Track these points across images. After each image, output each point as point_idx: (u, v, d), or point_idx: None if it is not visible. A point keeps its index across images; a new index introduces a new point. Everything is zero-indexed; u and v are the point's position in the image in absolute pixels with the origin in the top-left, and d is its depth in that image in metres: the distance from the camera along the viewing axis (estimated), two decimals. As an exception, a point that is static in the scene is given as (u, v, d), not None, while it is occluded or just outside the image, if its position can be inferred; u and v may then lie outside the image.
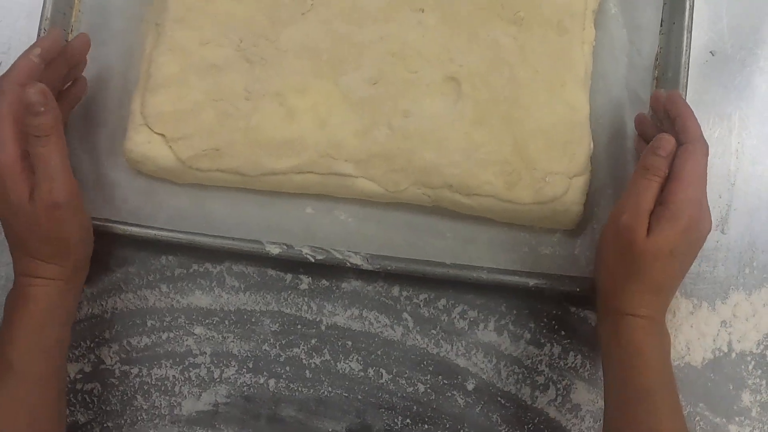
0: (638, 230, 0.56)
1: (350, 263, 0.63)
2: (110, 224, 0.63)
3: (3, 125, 0.54)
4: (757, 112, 0.71)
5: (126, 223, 0.63)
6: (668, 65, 0.68)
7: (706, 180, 0.58)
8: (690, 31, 0.67)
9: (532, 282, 0.64)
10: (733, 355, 0.69)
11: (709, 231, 0.58)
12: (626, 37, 0.69)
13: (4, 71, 0.57)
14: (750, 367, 0.69)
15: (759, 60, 0.72)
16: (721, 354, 0.68)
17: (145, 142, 0.62)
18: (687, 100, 0.65)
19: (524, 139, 0.63)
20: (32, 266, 0.57)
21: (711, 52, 0.71)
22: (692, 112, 0.60)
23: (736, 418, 0.67)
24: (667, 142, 0.58)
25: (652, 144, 0.58)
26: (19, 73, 0.56)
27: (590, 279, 0.65)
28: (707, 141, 0.60)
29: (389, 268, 0.63)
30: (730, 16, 0.72)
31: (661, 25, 0.69)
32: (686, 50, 0.66)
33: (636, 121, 0.66)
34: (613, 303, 0.59)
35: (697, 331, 0.69)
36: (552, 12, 0.65)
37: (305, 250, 0.63)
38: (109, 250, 0.66)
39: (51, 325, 0.57)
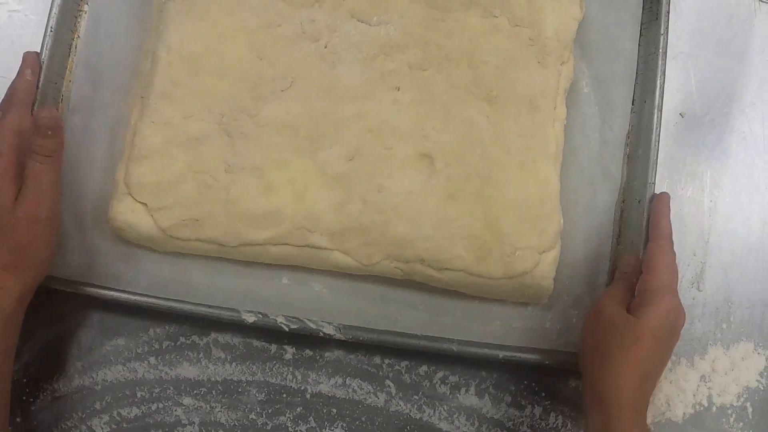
0: (617, 310, 0.61)
1: (324, 333, 0.64)
2: (89, 288, 0.65)
3: (5, 135, 0.60)
4: (728, 169, 0.73)
5: (104, 287, 0.65)
6: (639, 143, 0.70)
7: (678, 274, 0.62)
8: (660, 110, 0.69)
9: (501, 354, 0.65)
10: (714, 409, 0.70)
11: (683, 322, 0.62)
12: (598, 115, 0.71)
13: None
14: (731, 420, 0.70)
15: (728, 119, 0.74)
16: (702, 408, 0.70)
17: (128, 211, 0.64)
18: (658, 162, 0.68)
19: (495, 214, 0.64)
20: None
21: (681, 113, 0.73)
22: (668, 212, 0.65)
23: (720, 474, 0.69)
24: (629, 259, 0.66)
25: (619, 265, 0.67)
26: (23, 93, 0.64)
27: (560, 352, 0.67)
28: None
29: (361, 338, 0.65)
30: (698, 77, 0.74)
31: (632, 104, 0.71)
32: (656, 128, 0.69)
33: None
34: (596, 386, 0.59)
35: (677, 387, 0.70)
36: (525, 91, 0.67)
37: (280, 319, 0.64)
38: (98, 322, 0.68)
39: (3, 337, 0.58)
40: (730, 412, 0.70)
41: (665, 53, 0.70)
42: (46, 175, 0.59)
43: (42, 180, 0.59)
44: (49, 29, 0.67)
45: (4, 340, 0.58)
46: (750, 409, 0.70)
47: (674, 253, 0.63)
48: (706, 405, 0.70)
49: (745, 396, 0.70)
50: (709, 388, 0.70)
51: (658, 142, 0.69)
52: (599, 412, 0.58)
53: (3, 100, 0.64)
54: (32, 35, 0.71)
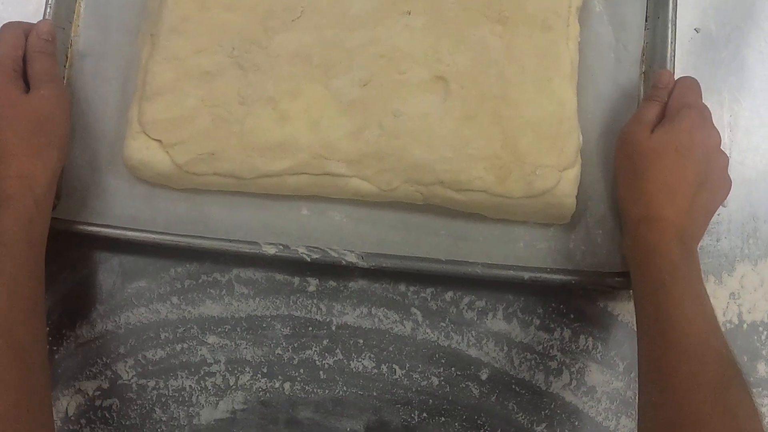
0: (641, 132, 0.62)
1: (345, 261, 0.64)
2: (108, 229, 0.65)
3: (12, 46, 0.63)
4: (746, 84, 0.72)
5: (122, 228, 0.65)
6: (654, 60, 0.69)
7: (707, 110, 0.63)
8: (675, 24, 0.68)
9: (527, 275, 0.64)
10: (745, 326, 0.69)
11: (719, 144, 0.62)
12: (612, 34, 0.70)
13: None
14: (763, 337, 0.69)
15: (744, 34, 0.73)
16: (733, 326, 0.68)
17: (142, 149, 0.64)
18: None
19: (513, 134, 0.63)
20: (16, 162, 0.59)
21: (696, 29, 0.72)
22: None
23: (754, 390, 0.67)
24: (662, 74, 0.65)
25: (652, 80, 0.66)
26: (16, 22, 0.65)
27: (586, 271, 0.66)
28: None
29: (384, 265, 0.64)
30: (712, -8, 0.73)
31: (645, 20, 0.70)
32: (671, 43, 0.68)
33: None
34: (632, 211, 0.61)
35: (706, 305, 0.69)
36: (536, 10, 0.66)
37: (301, 250, 0.64)
38: (118, 264, 0.68)
39: (38, 220, 0.59)
40: (761, 329, 0.69)
41: (676, -33, 0.69)
42: (51, 66, 0.64)
43: (47, 68, 0.63)
44: (54, -27, 0.68)
45: (39, 224, 0.59)
46: (781, 326, 0.69)
47: (699, 87, 0.65)
48: (736, 322, 0.69)
49: (776, 312, 0.69)
50: (738, 305, 0.69)
51: (674, 58, 0.68)
52: (632, 231, 0.60)
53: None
54: (38, -18, 0.70)
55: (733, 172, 0.69)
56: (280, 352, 0.67)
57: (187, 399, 0.67)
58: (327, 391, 0.67)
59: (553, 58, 0.66)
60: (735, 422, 0.50)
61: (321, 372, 0.67)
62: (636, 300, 0.59)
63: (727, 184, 0.64)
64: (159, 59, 0.65)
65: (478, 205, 0.65)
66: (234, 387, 0.67)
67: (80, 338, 0.67)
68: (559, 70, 0.66)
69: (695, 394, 0.51)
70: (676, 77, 0.67)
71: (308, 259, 0.64)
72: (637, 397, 0.56)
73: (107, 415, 0.67)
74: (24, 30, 0.64)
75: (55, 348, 0.67)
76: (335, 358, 0.67)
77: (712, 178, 0.61)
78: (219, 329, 0.67)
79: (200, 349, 0.67)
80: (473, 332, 0.67)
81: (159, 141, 0.64)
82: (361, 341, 0.67)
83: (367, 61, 0.65)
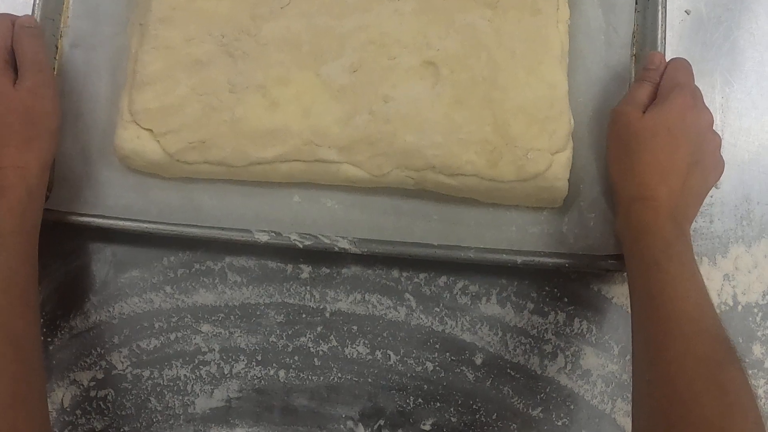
0: (632, 113, 0.62)
1: (338, 248, 0.64)
2: (100, 219, 0.65)
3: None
4: (738, 66, 0.72)
5: (115, 218, 0.65)
6: (645, 42, 0.69)
7: (699, 91, 0.63)
8: (665, 7, 0.68)
9: (520, 259, 0.64)
10: (740, 308, 0.69)
11: (711, 124, 0.62)
12: (602, 17, 0.70)
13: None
14: (758, 318, 0.68)
15: (735, 15, 0.72)
16: (727, 308, 0.68)
17: (133, 138, 0.63)
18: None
19: (504, 118, 0.63)
20: (7, 154, 0.59)
21: (686, 11, 0.72)
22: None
23: (750, 371, 0.67)
24: (653, 56, 0.65)
25: (644, 62, 0.67)
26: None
27: (579, 254, 0.65)
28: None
29: (376, 250, 0.64)
30: (702, -27, 0.73)
31: (636, 3, 0.70)
32: (662, 25, 0.68)
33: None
34: (624, 191, 0.61)
35: (701, 287, 0.68)
36: None
37: (293, 237, 0.64)
38: (111, 255, 0.68)
39: (31, 210, 0.59)
40: (756, 310, 0.69)
41: (666, -51, 0.69)
42: (39, 51, 0.63)
43: (34, 54, 0.62)
44: (43, -35, 0.67)
45: (32, 215, 0.59)
46: (776, 307, 0.69)
47: (690, 68, 0.64)
48: (731, 304, 0.69)
49: (770, 294, 0.69)
50: (733, 287, 0.69)
51: (665, 40, 0.68)
52: (624, 211, 0.60)
53: None
54: (27, -27, 0.70)
55: (725, 153, 0.69)
56: (275, 340, 0.67)
57: (182, 388, 0.67)
58: (322, 378, 0.67)
59: (543, 42, 0.66)
60: (727, 398, 0.50)
61: (315, 359, 0.67)
62: (629, 279, 0.59)
63: (719, 164, 0.63)
64: (149, 48, 0.64)
65: (470, 190, 0.65)
66: (229, 375, 0.67)
67: (74, 329, 0.67)
68: (549, 53, 0.65)
69: (687, 371, 0.51)
70: (667, 59, 0.66)
71: (301, 246, 0.64)
72: (632, 380, 0.56)
73: (102, 405, 0.66)
74: (11, 20, 0.64)
75: (49, 339, 0.67)
76: (329, 344, 0.67)
77: (704, 158, 0.61)
78: (213, 318, 0.67)
79: (194, 338, 0.67)
80: (467, 317, 0.67)
81: (150, 130, 0.64)
82: (355, 328, 0.67)
83: (356, 47, 0.65)
